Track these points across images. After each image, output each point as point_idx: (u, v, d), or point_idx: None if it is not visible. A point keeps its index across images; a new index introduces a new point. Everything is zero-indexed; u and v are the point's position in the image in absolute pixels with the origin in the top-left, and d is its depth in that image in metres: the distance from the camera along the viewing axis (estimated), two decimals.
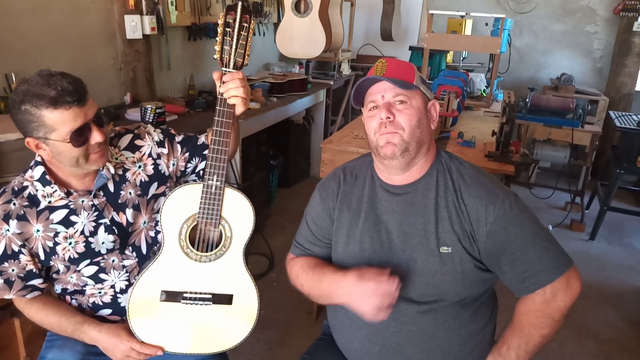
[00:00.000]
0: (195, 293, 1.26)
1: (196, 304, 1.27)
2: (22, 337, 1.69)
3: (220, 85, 1.21)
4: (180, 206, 1.24)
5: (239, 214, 1.28)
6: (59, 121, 1.07)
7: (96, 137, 1.13)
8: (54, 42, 2.37)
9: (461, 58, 4.57)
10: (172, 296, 1.25)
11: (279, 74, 3.90)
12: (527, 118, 3.56)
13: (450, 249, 1.12)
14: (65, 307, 1.28)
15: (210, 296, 1.27)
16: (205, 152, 1.40)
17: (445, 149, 2.25)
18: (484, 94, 3.73)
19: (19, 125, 1.10)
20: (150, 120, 2.20)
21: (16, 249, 1.17)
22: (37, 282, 1.22)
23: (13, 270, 1.18)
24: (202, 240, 1.26)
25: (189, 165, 1.41)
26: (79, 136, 1.10)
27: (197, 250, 1.26)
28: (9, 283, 1.18)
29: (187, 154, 1.38)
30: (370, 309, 1.06)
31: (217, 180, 1.23)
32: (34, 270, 1.21)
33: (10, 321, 1.66)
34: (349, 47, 4.70)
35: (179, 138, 1.39)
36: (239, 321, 1.31)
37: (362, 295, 1.07)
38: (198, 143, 1.41)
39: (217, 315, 1.29)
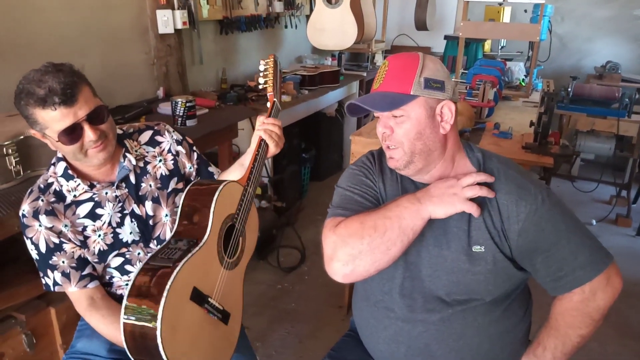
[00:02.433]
0: (217, 302, 1.16)
1: (212, 315, 1.15)
2: (58, 326, 1.74)
3: (262, 123, 1.31)
4: (226, 201, 1.22)
5: (252, 231, 1.31)
6: (48, 120, 1.08)
7: (89, 135, 1.12)
8: (85, 38, 2.41)
9: (499, 47, 4.43)
10: (199, 298, 1.10)
11: (311, 67, 3.88)
12: (569, 108, 3.41)
13: (483, 248, 1.07)
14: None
15: (222, 309, 1.18)
16: None
17: (479, 141, 2.20)
18: (522, 84, 3.60)
19: (22, 116, 1.12)
20: (181, 114, 2.22)
21: (57, 240, 1.19)
22: (89, 269, 1.24)
23: (64, 262, 1.20)
24: (231, 245, 1.24)
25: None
26: (69, 135, 1.11)
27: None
28: (66, 276, 1.20)
29: (197, 167, 1.43)
30: (459, 199, 1.02)
31: (253, 190, 1.30)
32: (82, 256, 1.22)
33: (47, 310, 1.71)
34: (382, 38, 4.62)
35: (196, 150, 1.45)
36: (225, 346, 1.22)
37: (449, 188, 1.03)
38: (209, 168, 1.46)
39: (216, 333, 1.17)
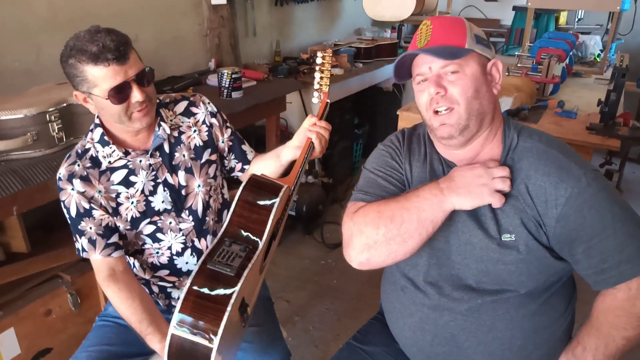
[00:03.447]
0: (250, 309, 1.13)
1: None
2: (102, 290, 1.81)
3: (313, 125, 1.27)
4: (280, 205, 1.19)
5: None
6: (99, 77, 1.09)
7: (136, 95, 1.12)
8: (139, 11, 2.44)
9: (576, 19, 4.07)
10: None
11: (368, 39, 3.75)
12: None
13: (514, 237, 0.98)
14: (138, 303, 1.23)
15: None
16: (239, 164, 1.44)
17: (538, 119, 2.03)
18: (597, 59, 3.29)
19: (68, 78, 1.13)
20: (226, 86, 2.21)
21: (87, 206, 1.21)
22: (116, 238, 1.26)
23: (91, 228, 1.22)
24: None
25: (227, 160, 1.42)
26: (118, 94, 1.11)
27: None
28: (92, 242, 1.23)
29: (230, 144, 1.41)
30: (489, 191, 0.95)
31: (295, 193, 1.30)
32: (110, 225, 1.24)
33: (91, 272, 1.76)
34: (447, 9, 4.38)
35: (230, 126, 1.42)
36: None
37: (477, 177, 0.96)
38: (242, 146, 1.43)
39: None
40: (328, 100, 1.31)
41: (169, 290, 1.39)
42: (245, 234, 1.12)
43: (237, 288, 0.99)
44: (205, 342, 0.96)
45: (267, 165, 1.40)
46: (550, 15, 3.75)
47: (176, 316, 0.97)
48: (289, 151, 1.33)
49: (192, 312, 0.97)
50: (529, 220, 0.97)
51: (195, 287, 1.00)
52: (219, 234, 1.11)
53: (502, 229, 0.99)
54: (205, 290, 0.99)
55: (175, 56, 2.67)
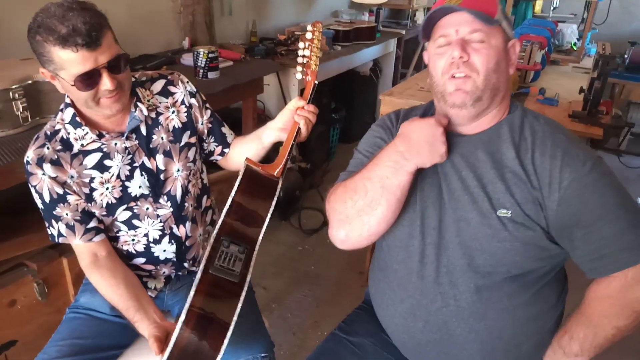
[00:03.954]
0: None
1: None
2: (70, 276, 1.72)
3: (301, 109, 1.19)
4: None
5: None
6: (66, 61, 0.99)
7: (106, 84, 1.04)
8: None
9: (552, 8, 4.10)
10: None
11: (346, 22, 3.68)
12: (624, 77, 3.15)
13: (510, 213, 0.96)
14: (123, 289, 1.18)
15: None
16: (219, 147, 1.36)
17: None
18: (574, 48, 3.31)
19: (35, 54, 1.03)
20: (202, 65, 2.12)
21: (60, 191, 1.13)
22: (95, 222, 1.19)
23: (67, 214, 1.15)
24: None
25: (206, 143, 1.34)
26: (85, 81, 1.02)
27: None
28: (71, 228, 1.16)
29: (210, 126, 1.33)
30: (440, 149, 0.97)
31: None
32: (87, 209, 1.17)
33: (59, 260, 1.69)
34: None
35: (209, 107, 1.34)
36: None
37: (432, 137, 0.96)
38: (222, 128, 1.36)
39: None
40: (316, 82, 1.24)
41: (144, 279, 1.32)
42: (242, 232, 1.05)
43: (241, 298, 0.96)
44: (212, 352, 0.95)
45: (249, 148, 1.33)
46: (529, 3, 3.76)
47: (183, 319, 0.93)
48: (272, 133, 1.26)
49: (200, 323, 0.94)
50: (530, 200, 0.95)
51: (199, 295, 0.95)
52: (215, 232, 1.03)
53: (498, 203, 0.97)
54: (213, 298, 0.95)
55: (147, 33, 2.54)
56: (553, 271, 1.05)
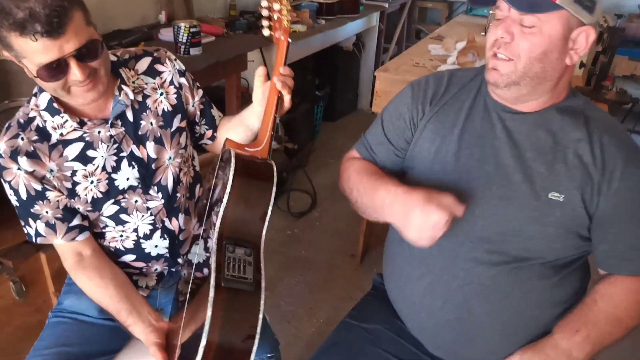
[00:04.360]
0: None
1: None
2: (49, 272, 1.60)
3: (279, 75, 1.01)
4: None
5: None
6: (26, 50, 0.86)
7: (75, 74, 0.90)
8: None
9: None
10: None
11: None
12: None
13: (563, 197, 0.91)
14: (112, 290, 1.08)
15: None
16: (210, 130, 1.25)
17: None
18: None
19: None
20: (184, 41, 1.97)
21: (39, 187, 1.01)
22: (78, 219, 1.07)
23: (47, 212, 1.03)
24: None
25: (198, 126, 1.22)
26: (50, 71, 0.89)
27: None
28: (51, 227, 1.04)
29: (202, 107, 1.21)
30: (425, 240, 0.88)
31: None
32: (69, 206, 1.05)
33: (37, 256, 1.56)
34: None
35: (200, 87, 1.22)
36: None
37: (424, 222, 0.87)
38: (211, 110, 1.24)
39: None
40: (290, 40, 1.04)
41: (135, 278, 1.21)
42: (244, 231, 0.93)
43: (260, 310, 0.85)
44: None
45: (237, 134, 1.21)
46: None
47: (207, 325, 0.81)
48: (256, 118, 1.12)
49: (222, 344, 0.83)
50: (589, 184, 0.91)
51: (217, 311, 0.82)
52: (214, 237, 0.90)
53: (552, 185, 0.92)
54: (231, 313, 0.83)
55: (120, 7, 2.36)
56: (581, 259, 1.01)
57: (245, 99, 2.65)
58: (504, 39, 0.89)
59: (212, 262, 0.86)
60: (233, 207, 0.91)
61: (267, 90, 1.03)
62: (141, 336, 1.05)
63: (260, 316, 0.85)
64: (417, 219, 0.87)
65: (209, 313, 0.80)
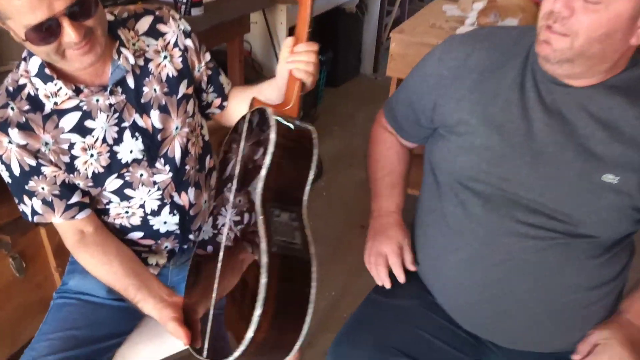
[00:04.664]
0: None
1: None
2: (50, 247, 1.52)
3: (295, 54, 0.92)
4: None
5: None
6: (11, 9, 0.76)
7: (69, 35, 0.80)
8: None
9: None
10: None
11: None
12: None
13: (618, 180, 0.83)
14: (117, 266, 1.00)
15: None
16: (219, 99, 1.16)
17: None
18: None
19: None
20: (185, 0, 1.84)
21: (33, 162, 0.92)
22: (78, 196, 0.98)
23: (44, 188, 0.94)
24: None
25: (205, 93, 1.12)
26: (40, 33, 0.79)
27: None
28: (48, 204, 0.95)
29: (210, 73, 1.11)
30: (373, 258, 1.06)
31: None
32: (68, 182, 0.96)
33: (36, 230, 1.48)
34: None
35: (207, 51, 1.11)
36: None
37: (370, 248, 1.09)
38: (220, 77, 1.13)
39: None
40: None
41: (144, 255, 1.13)
42: (287, 195, 0.87)
43: (313, 276, 0.81)
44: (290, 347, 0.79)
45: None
46: None
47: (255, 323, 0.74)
48: (277, 92, 1.04)
49: (272, 327, 0.76)
50: None
51: (272, 279, 0.76)
52: (257, 200, 0.83)
53: (606, 167, 0.83)
54: (285, 280, 0.78)
55: None
56: (629, 238, 0.94)
57: (247, 64, 2.53)
58: (561, 13, 0.77)
59: (260, 226, 0.80)
60: (276, 170, 0.85)
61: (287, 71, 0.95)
62: (154, 313, 0.96)
63: (314, 283, 0.79)
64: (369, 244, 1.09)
65: (263, 280, 0.74)
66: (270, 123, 0.85)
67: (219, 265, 0.88)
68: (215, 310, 0.86)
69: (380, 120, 1.19)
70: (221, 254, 0.89)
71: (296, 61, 0.92)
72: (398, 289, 1.08)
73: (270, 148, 0.83)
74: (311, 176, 0.89)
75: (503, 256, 0.91)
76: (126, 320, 1.10)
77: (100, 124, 0.96)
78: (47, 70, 0.90)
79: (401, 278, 1.01)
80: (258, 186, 0.83)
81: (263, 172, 0.83)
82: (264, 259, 0.76)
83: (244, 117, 0.97)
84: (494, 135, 0.90)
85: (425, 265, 1.06)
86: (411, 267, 1.04)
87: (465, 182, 0.94)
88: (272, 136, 0.84)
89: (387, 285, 1.01)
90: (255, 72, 2.83)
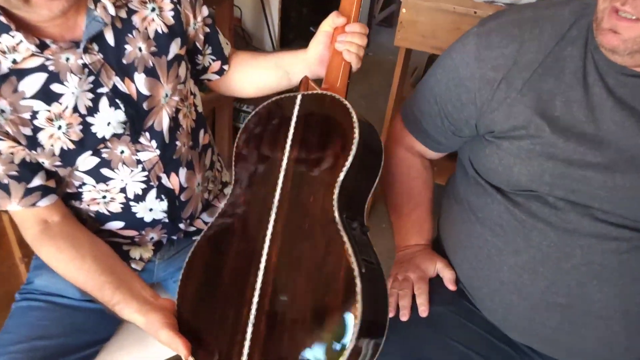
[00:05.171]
0: None
1: None
2: (14, 235, 1.33)
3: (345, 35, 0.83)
4: None
5: None
6: None
7: None
8: None
9: None
10: None
11: None
12: None
13: None
14: (90, 262, 0.82)
15: None
16: (217, 62, 0.99)
17: None
18: None
19: None
20: None
21: None
22: (41, 179, 0.79)
23: None
24: None
25: (202, 55, 0.96)
26: None
27: None
28: (4, 188, 0.77)
29: (208, 31, 0.95)
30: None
31: None
32: (30, 160, 0.78)
33: None
34: None
35: (204, 5, 0.94)
36: None
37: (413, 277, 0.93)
38: (219, 36, 0.99)
39: None
40: None
41: (125, 248, 0.96)
42: (354, 202, 0.75)
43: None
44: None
45: (266, 77, 0.99)
46: None
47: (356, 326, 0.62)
48: (303, 69, 0.92)
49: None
50: None
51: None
52: (335, 209, 0.70)
53: None
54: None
55: None
56: None
57: (237, 34, 2.32)
58: None
59: (347, 243, 0.66)
60: (352, 174, 0.72)
61: (331, 48, 0.85)
62: (137, 318, 0.79)
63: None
64: (394, 270, 0.98)
65: (359, 310, 0.62)
66: (351, 118, 0.72)
67: (260, 276, 0.72)
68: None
69: (398, 132, 1.04)
70: (263, 260, 0.73)
71: (349, 42, 0.83)
72: (430, 294, 0.93)
73: (353, 148, 0.70)
74: (377, 180, 0.77)
75: (577, 260, 0.77)
76: (106, 324, 0.93)
77: (71, 89, 0.77)
78: (2, 19, 0.70)
79: (424, 311, 0.88)
80: (335, 192, 0.70)
81: (341, 175, 0.70)
82: (359, 284, 0.62)
83: (279, 101, 0.81)
84: (556, 142, 0.75)
85: (466, 267, 0.92)
86: (451, 287, 0.91)
87: (526, 191, 0.81)
88: (356, 134, 0.71)
89: (406, 317, 0.87)
90: (245, 42, 2.62)
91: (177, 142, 0.91)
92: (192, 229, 1.02)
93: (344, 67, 0.83)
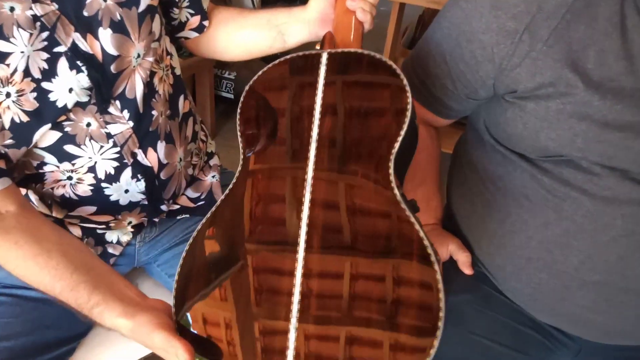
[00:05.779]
0: None
1: None
2: None
3: None
4: None
5: None
6: None
7: None
8: None
9: None
10: None
11: None
12: None
13: None
14: (58, 258, 0.66)
15: None
16: (197, 16, 0.87)
17: None
18: None
19: None
20: None
21: None
22: None
23: None
24: None
25: (177, 9, 0.85)
26: None
27: None
28: None
29: None
30: None
31: None
32: None
33: None
34: None
35: None
36: None
37: None
38: None
39: None
40: None
41: (99, 232, 0.85)
42: (401, 174, 0.67)
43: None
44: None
45: (256, 37, 0.87)
46: None
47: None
48: (302, 29, 0.82)
49: None
50: None
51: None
52: (394, 186, 0.59)
53: None
54: None
55: None
56: None
57: None
58: None
59: (421, 231, 0.57)
60: (403, 142, 0.63)
61: (340, 6, 0.77)
62: (123, 323, 0.64)
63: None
64: None
65: (442, 300, 0.56)
66: (401, 81, 0.62)
67: (300, 269, 0.59)
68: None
69: None
70: (301, 250, 0.60)
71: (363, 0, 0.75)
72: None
73: (408, 115, 0.61)
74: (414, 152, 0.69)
75: (620, 231, 0.69)
76: (79, 319, 0.83)
77: (20, 48, 0.63)
78: None
79: None
80: (390, 166, 0.61)
81: (396, 145, 0.61)
82: (437, 270, 0.55)
83: (296, 60, 0.68)
84: (591, 100, 0.66)
85: (485, 245, 0.83)
86: (467, 271, 0.83)
87: (555, 156, 0.72)
88: (409, 99, 0.62)
89: None
90: (223, 0, 2.44)
91: (154, 112, 0.78)
92: (176, 206, 0.91)
93: (355, 28, 0.73)
